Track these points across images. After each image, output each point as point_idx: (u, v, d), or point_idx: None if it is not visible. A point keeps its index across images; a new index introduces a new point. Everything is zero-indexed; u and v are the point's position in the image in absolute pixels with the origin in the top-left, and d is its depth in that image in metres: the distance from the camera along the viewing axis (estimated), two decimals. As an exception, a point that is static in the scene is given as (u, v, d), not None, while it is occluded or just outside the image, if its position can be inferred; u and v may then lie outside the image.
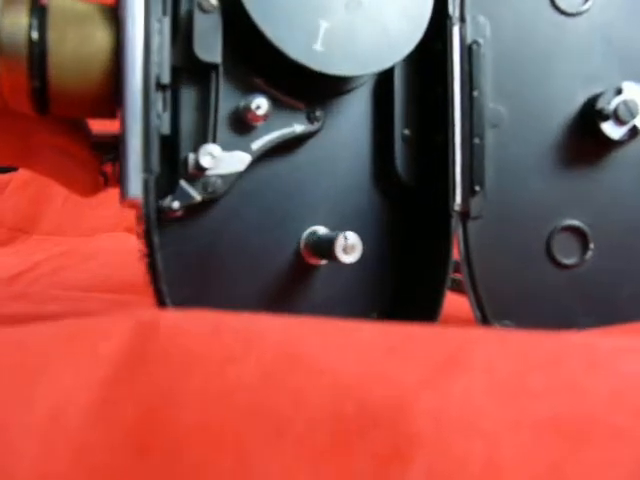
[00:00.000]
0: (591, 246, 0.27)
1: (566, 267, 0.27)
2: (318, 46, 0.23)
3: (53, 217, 0.79)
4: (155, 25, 0.21)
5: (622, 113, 0.25)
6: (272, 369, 0.12)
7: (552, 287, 0.27)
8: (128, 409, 0.12)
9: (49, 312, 0.33)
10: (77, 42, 0.21)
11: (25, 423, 0.12)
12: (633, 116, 0.26)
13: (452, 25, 0.26)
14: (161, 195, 0.22)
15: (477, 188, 0.25)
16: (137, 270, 0.25)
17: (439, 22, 0.26)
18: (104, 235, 0.70)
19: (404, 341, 0.12)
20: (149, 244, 0.21)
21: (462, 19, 0.26)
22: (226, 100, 0.24)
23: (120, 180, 0.21)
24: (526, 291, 0.26)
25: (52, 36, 0.21)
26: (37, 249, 0.69)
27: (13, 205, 0.84)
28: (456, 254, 0.26)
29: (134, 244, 0.26)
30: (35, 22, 0.21)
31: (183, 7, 0.23)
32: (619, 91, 0.26)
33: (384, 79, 0.27)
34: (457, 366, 0.12)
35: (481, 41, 0.26)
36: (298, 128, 0.25)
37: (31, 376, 0.12)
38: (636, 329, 0.23)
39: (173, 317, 0.13)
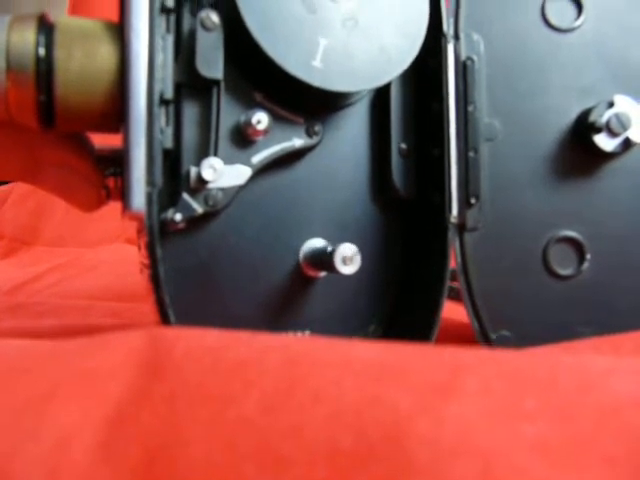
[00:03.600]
0: (587, 257, 0.27)
1: (563, 278, 0.27)
2: (317, 63, 0.24)
3: (54, 228, 0.80)
4: (159, 42, 0.22)
5: (614, 125, 0.26)
6: (271, 404, 0.12)
7: (549, 298, 0.27)
8: (133, 448, 0.12)
9: (50, 326, 0.34)
10: (83, 59, 0.22)
11: (31, 454, 0.12)
12: (625, 128, 0.26)
13: (447, 42, 0.26)
14: (163, 208, 0.23)
15: (473, 200, 0.26)
16: (137, 279, 0.26)
17: (434, 39, 0.26)
18: (105, 247, 0.70)
19: (400, 364, 0.13)
20: (152, 256, 0.21)
21: (456, 36, 0.26)
22: (227, 115, 0.24)
23: (123, 193, 0.22)
24: (523, 302, 0.27)
25: (59, 53, 0.21)
26: (38, 260, 0.70)
27: (14, 216, 0.84)
28: (454, 263, 0.27)
29: (134, 255, 0.26)
30: (42, 39, 0.22)
31: (186, 24, 0.24)
32: (611, 104, 0.26)
33: (381, 94, 0.27)
34: (452, 390, 0.12)
35: (475, 58, 0.26)
36: (297, 142, 0.25)
37: (38, 406, 0.13)
38: (633, 338, 0.24)
39: (176, 352, 0.14)
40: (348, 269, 0.24)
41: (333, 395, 0.12)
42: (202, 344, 0.14)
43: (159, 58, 0.22)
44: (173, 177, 0.24)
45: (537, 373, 0.12)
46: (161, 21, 0.22)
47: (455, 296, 0.32)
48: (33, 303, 0.44)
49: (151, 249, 0.22)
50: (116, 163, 0.25)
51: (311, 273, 0.26)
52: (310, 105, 0.26)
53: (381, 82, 0.25)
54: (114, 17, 0.23)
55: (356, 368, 0.13)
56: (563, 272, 0.27)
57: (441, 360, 0.13)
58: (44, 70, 0.21)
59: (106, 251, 0.68)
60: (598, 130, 0.26)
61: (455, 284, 0.28)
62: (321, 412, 0.12)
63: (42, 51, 0.21)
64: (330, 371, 0.13)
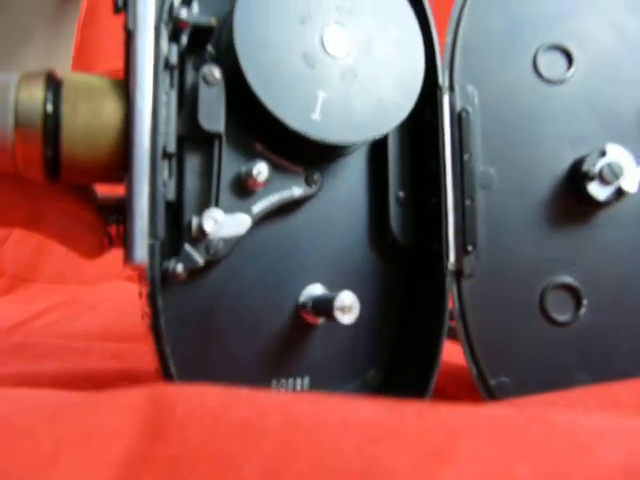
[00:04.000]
0: (584, 303, 0.28)
1: (560, 324, 0.27)
2: (316, 115, 0.24)
3: (54, 265, 0.80)
4: (163, 98, 0.23)
5: (607, 175, 0.27)
6: (271, 470, 0.12)
7: (547, 343, 0.27)
8: None
9: (50, 370, 0.34)
10: (89, 114, 0.22)
11: None
12: (617, 177, 0.27)
13: (442, 94, 0.27)
14: (164, 256, 0.23)
15: (470, 248, 0.26)
16: (137, 319, 0.26)
17: (430, 91, 0.27)
18: (105, 284, 0.70)
19: (397, 425, 0.13)
20: (153, 307, 0.22)
21: (451, 88, 0.27)
22: (228, 166, 0.25)
23: (125, 244, 0.22)
24: (521, 348, 0.27)
25: (66, 109, 0.22)
26: (38, 298, 0.70)
27: (14, 254, 0.84)
28: (452, 304, 0.27)
29: (134, 293, 0.26)
30: (50, 96, 0.22)
31: (189, 79, 0.24)
32: (603, 153, 0.27)
33: (379, 143, 0.28)
34: (447, 454, 0.12)
35: (470, 109, 0.27)
36: (297, 191, 0.26)
37: (42, 471, 0.13)
38: (631, 388, 0.24)
39: (177, 412, 0.14)
40: (347, 318, 0.24)
41: (332, 459, 0.12)
42: (203, 403, 0.14)
43: (162, 113, 0.22)
44: (175, 227, 0.24)
45: (530, 436, 0.12)
46: (165, 77, 0.23)
47: (453, 335, 0.32)
48: (33, 344, 0.44)
49: (152, 300, 0.22)
50: (119, 211, 0.26)
51: (310, 319, 0.27)
52: (309, 155, 0.26)
53: (379, 133, 0.26)
54: (116, 64, 0.24)
55: (354, 430, 0.13)
56: (560, 318, 0.27)
57: (437, 422, 0.13)
58: (51, 126, 0.22)
59: (106, 289, 0.68)
60: (591, 179, 0.27)
61: (453, 323, 0.29)
62: (320, 478, 0.12)
63: (50, 108, 0.22)
64: (329, 434, 0.13)
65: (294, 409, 0.14)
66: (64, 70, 0.24)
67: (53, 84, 0.22)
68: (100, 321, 0.56)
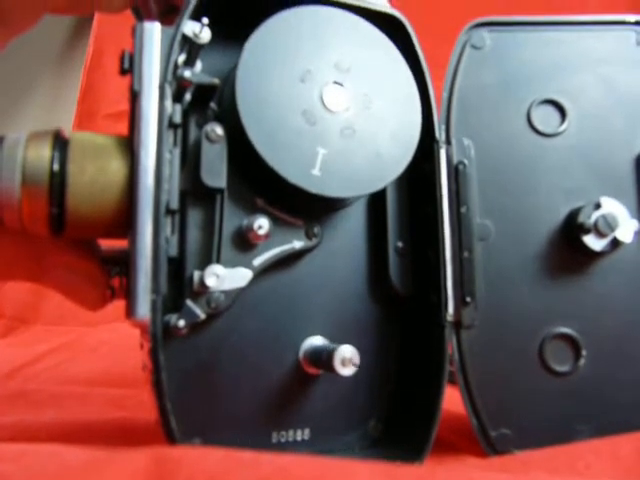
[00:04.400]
0: (583, 353, 0.28)
1: (560, 374, 0.27)
2: (316, 171, 0.25)
3: (54, 307, 0.80)
4: (166, 156, 0.23)
5: (602, 227, 0.27)
6: None
7: (547, 395, 0.27)
8: None
9: (49, 419, 0.33)
10: (94, 173, 0.23)
11: None
12: (612, 229, 0.27)
13: (439, 148, 0.28)
14: (165, 308, 0.23)
15: (468, 299, 0.27)
16: (137, 364, 0.26)
17: (427, 145, 0.28)
18: (105, 326, 0.70)
19: None
20: (155, 363, 0.22)
21: (448, 142, 0.28)
22: (230, 220, 0.25)
23: (128, 299, 0.23)
24: (522, 399, 0.27)
25: (72, 168, 0.23)
26: (38, 340, 0.70)
27: (15, 295, 0.84)
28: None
29: (134, 335, 0.26)
30: (57, 155, 0.23)
31: (192, 136, 0.25)
32: (598, 205, 0.28)
33: (377, 195, 0.28)
34: None
35: (466, 162, 0.28)
36: (297, 244, 0.26)
37: None
38: (632, 440, 0.24)
39: (179, 478, 0.14)
40: (347, 370, 0.24)
41: None
42: (205, 469, 0.14)
43: (166, 171, 0.23)
44: (176, 280, 0.24)
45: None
46: (169, 136, 0.23)
47: (454, 380, 0.32)
48: (32, 390, 0.44)
49: (154, 356, 0.22)
50: (122, 263, 0.26)
51: (311, 371, 0.27)
52: (309, 209, 0.27)
53: (377, 187, 0.26)
54: (121, 106, 0.25)
55: None
56: (560, 369, 0.27)
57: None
58: (57, 184, 0.22)
59: (106, 331, 0.68)
60: (587, 231, 0.27)
61: (452, 367, 0.29)
62: None
63: (56, 167, 0.22)
64: None
65: (295, 476, 0.14)
66: (69, 117, 0.25)
67: (60, 143, 0.23)
68: (100, 365, 0.55)
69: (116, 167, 0.23)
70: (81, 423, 0.33)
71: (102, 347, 0.61)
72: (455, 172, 0.28)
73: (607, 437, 0.24)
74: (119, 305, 0.24)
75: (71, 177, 0.22)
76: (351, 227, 0.28)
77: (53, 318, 0.79)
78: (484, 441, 0.26)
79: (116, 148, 0.24)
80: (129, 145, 0.24)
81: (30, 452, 0.20)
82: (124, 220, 0.23)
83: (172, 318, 0.23)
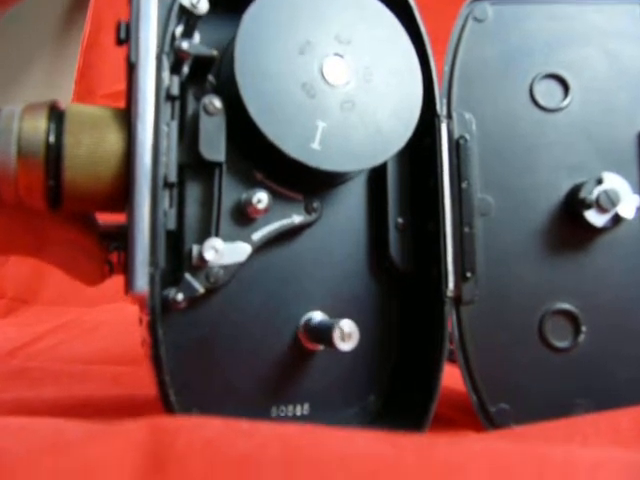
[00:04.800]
0: (583, 329, 0.28)
1: (560, 350, 0.27)
2: (316, 145, 0.25)
3: (55, 287, 0.80)
4: (164, 129, 0.23)
5: (604, 202, 0.27)
6: None
7: (547, 370, 0.27)
8: None
9: (49, 396, 0.34)
10: (91, 145, 0.23)
11: None
12: (614, 204, 0.27)
13: (440, 122, 0.27)
14: (164, 283, 0.23)
15: (469, 274, 0.26)
16: (136, 341, 0.26)
17: (428, 119, 0.27)
18: (105, 306, 0.70)
19: (394, 461, 0.13)
20: (153, 337, 0.22)
21: (449, 116, 0.28)
22: (229, 194, 0.25)
23: (126, 273, 0.22)
24: (521, 375, 0.27)
25: (68, 140, 0.22)
26: (38, 320, 0.70)
27: (14, 275, 0.84)
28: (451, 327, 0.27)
29: (134, 315, 0.26)
30: (53, 126, 0.23)
31: (190, 109, 0.25)
32: (600, 181, 0.27)
33: (378, 170, 0.28)
34: None
35: (467, 136, 0.27)
36: (297, 219, 0.26)
37: None
38: (631, 414, 0.24)
39: (177, 445, 0.14)
40: (346, 345, 0.24)
41: None
42: (203, 436, 0.14)
43: (164, 144, 0.23)
44: (175, 254, 0.24)
45: (526, 470, 0.12)
46: (166, 108, 0.23)
47: (453, 358, 0.32)
48: (32, 368, 0.44)
49: (153, 329, 0.22)
50: (120, 238, 0.26)
51: (310, 346, 0.27)
52: (309, 183, 0.26)
53: (377, 162, 0.26)
54: (120, 85, 0.24)
55: (351, 467, 0.13)
56: (560, 344, 0.27)
57: (435, 457, 0.13)
58: (53, 156, 0.22)
59: (106, 311, 0.68)
60: (588, 206, 0.27)
61: (453, 346, 0.29)
62: None
63: (52, 138, 0.22)
64: (328, 469, 0.13)
65: (294, 442, 0.14)
66: (67, 95, 0.24)
67: (56, 115, 0.23)
68: (100, 344, 0.55)
69: (113, 139, 0.23)
70: (80, 399, 0.33)
71: (102, 327, 0.61)
72: (456, 147, 0.27)
73: (606, 411, 0.24)
74: (119, 286, 0.24)
75: (67, 149, 0.22)
76: (351, 203, 0.28)
77: (53, 299, 0.79)
78: (483, 416, 0.27)
79: (113, 120, 0.23)
80: (126, 117, 0.23)
81: (28, 426, 0.20)
82: (122, 193, 0.23)
83: (171, 292, 0.23)
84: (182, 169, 0.24)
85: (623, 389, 0.28)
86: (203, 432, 0.14)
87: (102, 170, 0.22)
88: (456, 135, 0.28)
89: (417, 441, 0.14)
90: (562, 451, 0.13)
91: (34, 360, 0.51)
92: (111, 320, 0.63)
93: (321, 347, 0.27)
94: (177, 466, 0.13)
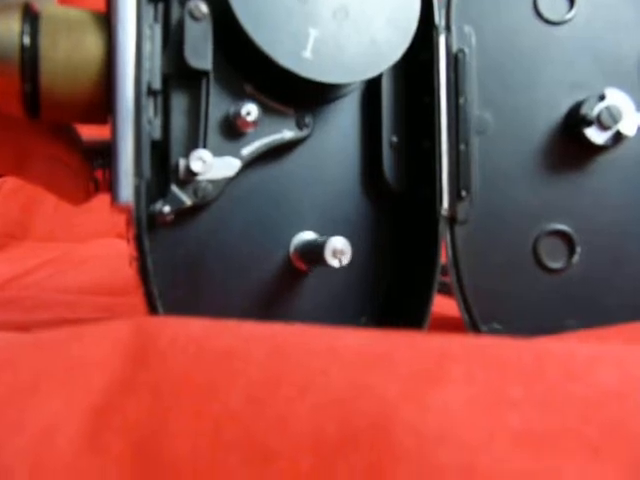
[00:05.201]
0: (578, 250, 0.27)
1: (553, 271, 0.27)
2: (307, 54, 0.24)
3: (45, 223, 0.79)
4: (146, 32, 0.22)
5: (605, 119, 0.26)
6: (256, 395, 0.12)
7: (539, 291, 0.27)
8: (119, 439, 0.12)
9: (40, 320, 0.33)
10: (69, 48, 0.21)
11: (14, 446, 0.12)
12: (616, 121, 0.26)
13: (438, 35, 0.26)
14: (152, 200, 0.23)
15: (464, 193, 0.26)
16: (129, 274, 0.25)
17: (425, 32, 0.26)
18: (96, 241, 0.70)
19: (387, 352, 0.13)
20: (140, 248, 0.21)
21: (448, 29, 0.26)
22: (216, 106, 0.24)
23: (111, 185, 0.22)
24: (513, 295, 0.27)
25: (44, 42, 0.21)
26: (29, 255, 0.69)
27: (4, 211, 0.83)
28: (444, 257, 0.27)
29: (126, 250, 0.26)
30: (27, 28, 0.21)
31: (174, 14, 0.23)
32: (602, 97, 0.26)
33: (372, 87, 0.27)
34: (437, 378, 0.12)
35: (467, 50, 0.26)
36: (287, 134, 0.25)
37: (21, 398, 0.12)
38: (620, 331, 0.24)
39: (161, 340, 0.13)
40: (338, 262, 0.24)
41: (319, 385, 0.12)
42: (188, 332, 0.14)
43: (146, 48, 0.22)
44: (162, 169, 0.23)
45: (523, 361, 0.12)
46: (149, 10, 0.22)
47: (446, 291, 0.32)
48: (23, 297, 0.44)
49: (139, 241, 0.21)
50: (104, 155, 0.25)
51: (301, 266, 0.26)
52: (300, 97, 0.25)
53: (372, 74, 0.25)
54: (102, 6, 0.23)
55: (344, 356, 0.13)
56: (553, 265, 0.27)
57: (428, 348, 0.13)
58: (29, 59, 0.21)
59: (97, 246, 0.68)
60: (589, 123, 0.26)
61: (446, 279, 0.28)
62: (307, 403, 0.12)
63: (27, 40, 0.21)
64: (317, 360, 0.13)
65: (281, 338, 0.13)
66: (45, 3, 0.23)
67: (30, 16, 0.21)
68: (91, 276, 0.55)
69: (92, 43, 0.22)
70: (71, 323, 0.33)
71: (93, 260, 0.61)
72: (454, 61, 0.26)
73: (594, 329, 0.24)
74: (110, 221, 0.23)
75: (43, 52, 0.21)
76: (344, 120, 0.27)
77: (43, 234, 0.78)
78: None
79: (92, 23, 0.22)
80: (106, 20, 0.22)
81: (13, 337, 0.19)
82: (103, 102, 0.22)
83: (157, 205, 0.22)
84: (167, 79, 0.23)
85: (611, 311, 0.27)
86: (188, 329, 0.14)
87: (81, 74, 0.21)
88: (454, 49, 0.26)
89: (411, 336, 0.14)
90: (559, 345, 0.13)
91: (26, 291, 0.51)
92: (102, 254, 0.63)
93: (313, 268, 0.26)
94: (161, 360, 0.13)
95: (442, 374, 0.12)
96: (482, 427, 0.11)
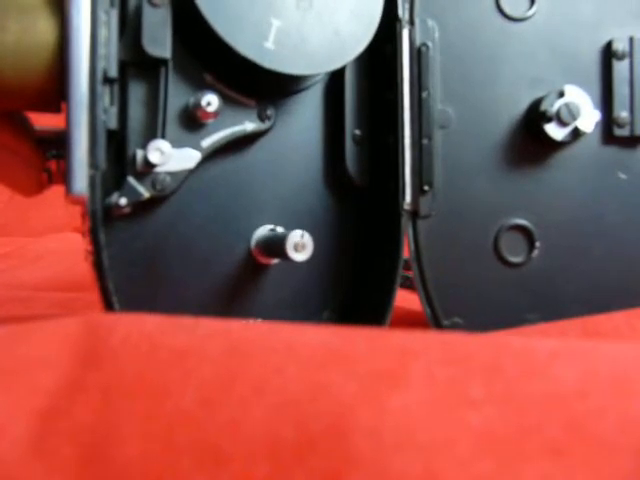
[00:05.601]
0: (537, 245, 0.28)
1: (513, 265, 0.27)
2: (269, 44, 0.23)
3: (-3, 217, 0.77)
4: (102, 17, 0.21)
5: (564, 115, 0.26)
6: (210, 396, 0.11)
7: (500, 285, 0.27)
8: (66, 444, 0.11)
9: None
10: (19, 31, 0.20)
11: None
12: (574, 118, 0.26)
13: (402, 28, 0.26)
14: (107, 192, 0.22)
15: (426, 188, 0.26)
16: (85, 269, 0.24)
17: (389, 25, 0.26)
18: (52, 236, 0.68)
19: (345, 349, 0.12)
20: (95, 242, 0.21)
21: (411, 22, 0.26)
22: (176, 96, 0.23)
23: (65, 176, 0.21)
24: (475, 289, 0.27)
25: (-8, 26, 0.20)
26: (-20, 250, 0.67)
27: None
28: (407, 252, 0.27)
29: (82, 244, 0.25)
30: (-26, 11, 0.20)
31: (132, 1, 0.23)
32: (561, 94, 0.27)
33: (335, 80, 0.27)
34: (396, 378, 0.12)
35: (430, 44, 0.26)
36: (249, 126, 0.25)
37: None
38: (579, 324, 0.24)
39: (113, 339, 0.13)
40: (300, 256, 0.24)
41: (275, 386, 0.11)
42: (141, 330, 0.13)
43: (102, 34, 0.21)
44: (118, 160, 0.23)
45: (483, 358, 0.12)
46: None
47: (409, 285, 0.32)
48: (-28, 294, 0.42)
49: (94, 235, 0.21)
50: (58, 145, 0.24)
51: (263, 260, 0.26)
52: (262, 88, 0.25)
53: (335, 66, 0.25)
54: None
55: (300, 355, 0.12)
56: (513, 259, 0.27)
57: (387, 345, 0.13)
58: None
59: (52, 240, 0.66)
60: (549, 119, 0.26)
61: (409, 273, 0.28)
62: (262, 404, 0.11)
63: (-26, 23, 0.20)
64: (273, 359, 0.12)
65: (237, 335, 0.13)
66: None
67: (-22, -2, 0.20)
68: (46, 272, 0.53)
69: (44, 27, 0.21)
70: (23, 320, 0.32)
71: (48, 255, 0.59)
72: (417, 55, 0.26)
73: (554, 322, 0.24)
74: (65, 216, 0.22)
75: (-8, 36, 0.20)
76: (307, 113, 0.27)
77: (-4, 228, 0.76)
78: (437, 330, 0.27)
79: (44, 6, 0.21)
80: (59, 4, 0.21)
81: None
82: (55, 89, 0.21)
83: (113, 197, 0.22)
84: (124, 67, 0.22)
85: (569, 304, 0.28)
86: (141, 326, 0.13)
87: (32, 60, 0.20)
88: (418, 42, 0.26)
89: (369, 332, 0.13)
90: (519, 341, 0.13)
91: (-24, 287, 0.49)
92: (58, 249, 0.61)
93: (274, 262, 0.26)
94: (112, 359, 0.12)
95: (402, 373, 0.12)
96: (442, 430, 0.11)
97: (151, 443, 0.11)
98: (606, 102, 0.28)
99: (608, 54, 0.28)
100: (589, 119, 0.27)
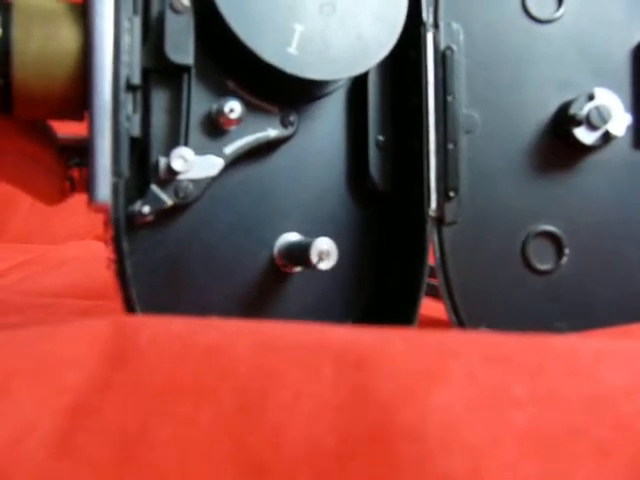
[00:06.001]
0: (566, 251, 0.27)
1: (541, 272, 0.27)
2: (292, 49, 0.23)
3: (19, 224, 0.77)
4: (125, 24, 0.21)
5: (594, 119, 0.26)
6: (248, 401, 0.11)
7: (527, 292, 0.27)
8: (96, 442, 0.11)
9: (12, 323, 0.32)
10: (43, 41, 0.20)
11: None
12: (605, 122, 0.26)
13: (426, 31, 0.26)
14: (131, 200, 0.22)
15: (452, 194, 0.25)
16: (107, 276, 0.24)
17: (413, 29, 0.26)
18: (73, 243, 0.68)
19: (380, 350, 0.12)
20: (118, 250, 0.20)
21: (436, 25, 0.26)
22: (198, 103, 0.23)
23: (88, 184, 0.21)
24: (501, 296, 0.26)
25: (17, 34, 0.20)
26: (3, 257, 0.67)
27: (-22, 212, 0.81)
28: (432, 259, 0.26)
29: (103, 251, 0.25)
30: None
31: (154, 7, 0.23)
32: (591, 97, 0.26)
33: (359, 84, 0.26)
34: (437, 377, 0.11)
35: (455, 47, 0.26)
36: (272, 132, 0.25)
37: None
38: (613, 334, 0.23)
39: (141, 339, 0.13)
40: (324, 264, 0.23)
41: (313, 389, 0.11)
42: (169, 330, 0.13)
43: (125, 41, 0.21)
44: (142, 168, 0.23)
45: (524, 358, 0.12)
46: (128, 1, 0.21)
47: (434, 293, 0.31)
48: (-5, 301, 0.42)
49: (117, 243, 0.20)
50: (81, 153, 0.24)
51: (286, 268, 0.25)
52: (285, 94, 0.25)
53: (358, 71, 0.24)
54: None
55: (335, 356, 0.12)
56: (542, 267, 0.27)
57: (425, 344, 0.12)
58: (1, 52, 0.20)
59: (74, 248, 0.66)
60: (578, 123, 0.26)
61: (434, 281, 0.28)
62: (301, 410, 0.11)
63: (-1, 31, 0.20)
64: (308, 360, 0.12)
65: (269, 332, 0.13)
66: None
67: (2, 6, 0.20)
68: (68, 279, 0.54)
69: (67, 35, 0.21)
70: (45, 327, 0.32)
71: (70, 262, 0.59)
72: (442, 58, 0.26)
73: (584, 332, 0.24)
74: (87, 223, 0.22)
75: (16, 44, 0.20)
76: (330, 119, 0.26)
77: (19, 235, 0.77)
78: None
79: (67, 14, 0.21)
80: (82, 12, 0.21)
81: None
82: (79, 97, 0.21)
83: (136, 205, 0.22)
84: (147, 74, 0.22)
85: (600, 312, 0.27)
86: (169, 326, 0.13)
87: (56, 68, 0.20)
88: (442, 46, 0.26)
89: (405, 332, 0.13)
90: (562, 341, 0.12)
91: (-1, 294, 0.50)
92: (79, 256, 0.61)
93: (297, 270, 0.26)
94: (141, 359, 0.12)
95: (442, 372, 0.11)
96: (486, 431, 0.10)
97: (189, 450, 0.11)
98: (637, 105, 0.27)
99: (639, 55, 0.27)
100: (620, 122, 0.26)
